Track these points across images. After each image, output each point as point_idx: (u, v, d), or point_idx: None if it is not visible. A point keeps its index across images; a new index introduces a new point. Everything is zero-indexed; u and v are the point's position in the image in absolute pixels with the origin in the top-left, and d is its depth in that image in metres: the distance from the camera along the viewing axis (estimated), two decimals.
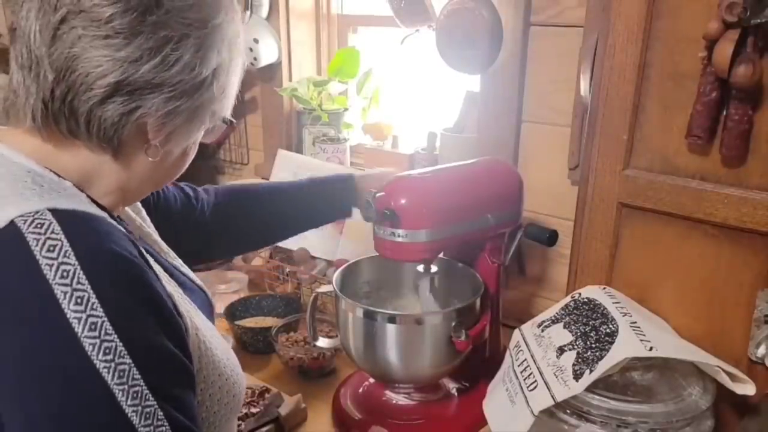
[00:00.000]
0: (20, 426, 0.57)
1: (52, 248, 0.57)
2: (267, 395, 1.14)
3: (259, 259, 1.68)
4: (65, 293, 0.56)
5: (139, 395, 0.58)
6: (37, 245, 0.57)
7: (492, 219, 1.11)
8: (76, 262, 0.57)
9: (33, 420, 0.56)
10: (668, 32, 0.97)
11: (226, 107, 0.76)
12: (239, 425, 1.07)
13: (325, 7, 1.81)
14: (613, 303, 1.01)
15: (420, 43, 1.53)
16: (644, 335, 0.92)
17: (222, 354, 0.76)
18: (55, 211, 0.60)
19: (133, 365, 0.58)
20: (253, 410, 1.10)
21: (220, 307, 1.48)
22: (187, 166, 0.80)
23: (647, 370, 0.96)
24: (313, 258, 1.60)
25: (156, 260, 0.74)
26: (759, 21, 0.84)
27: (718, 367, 0.91)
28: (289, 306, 1.47)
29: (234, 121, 0.79)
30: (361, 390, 1.21)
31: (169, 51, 0.64)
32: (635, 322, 0.95)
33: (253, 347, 1.36)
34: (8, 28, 0.67)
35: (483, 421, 1.04)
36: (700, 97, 0.93)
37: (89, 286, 0.57)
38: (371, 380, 1.21)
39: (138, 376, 0.58)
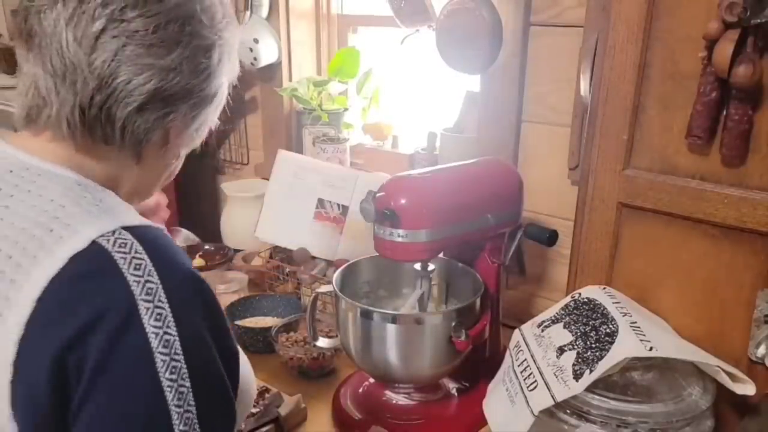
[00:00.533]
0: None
1: (138, 266, 0.60)
2: (267, 395, 1.14)
3: (259, 259, 1.68)
4: (147, 309, 0.59)
5: (190, 423, 0.61)
6: (124, 264, 0.60)
7: (492, 219, 1.11)
8: (159, 281, 0.61)
9: (97, 413, 0.59)
10: (668, 32, 0.97)
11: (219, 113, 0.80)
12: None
13: (325, 7, 1.81)
14: (613, 303, 1.01)
15: (420, 43, 1.53)
16: (644, 335, 0.92)
17: (244, 366, 0.77)
18: (129, 229, 0.63)
19: (191, 390, 0.61)
20: (253, 410, 1.10)
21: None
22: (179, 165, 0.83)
23: (647, 370, 0.96)
24: (313, 258, 1.60)
25: None
26: (759, 21, 0.84)
27: (718, 367, 0.91)
28: (289, 306, 1.47)
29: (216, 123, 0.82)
30: (361, 390, 1.21)
31: (201, 60, 0.68)
32: (635, 322, 0.95)
33: (253, 347, 1.36)
34: (14, 30, 0.67)
35: (483, 421, 1.04)
36: (700, 97, 0.93)
37: (167, 305, 0.60)
38: (371, 380, 1.21)
39: (192, 403, 0.61)
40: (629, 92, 1.02)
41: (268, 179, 1.71)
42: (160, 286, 0.60)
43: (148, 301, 0.59)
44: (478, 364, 1.17)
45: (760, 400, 0.96)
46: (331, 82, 1.74)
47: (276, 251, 1.66)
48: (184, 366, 0.60)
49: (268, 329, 1.33)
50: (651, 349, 0.89)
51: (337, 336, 1.21)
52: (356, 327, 1.09)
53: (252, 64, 1.73)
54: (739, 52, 0.87)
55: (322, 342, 1.20)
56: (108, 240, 0.61)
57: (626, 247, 1.09)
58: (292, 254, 1.61)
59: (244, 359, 0.78)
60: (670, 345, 0.93)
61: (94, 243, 0.61)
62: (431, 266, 1.13)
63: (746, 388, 0.91)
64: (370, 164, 1.72)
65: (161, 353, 0.59)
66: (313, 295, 1.18)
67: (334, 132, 1.74)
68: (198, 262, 1.69)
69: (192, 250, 1.74)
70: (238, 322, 1.40)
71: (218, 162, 2.07)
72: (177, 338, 0.60)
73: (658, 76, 1.00)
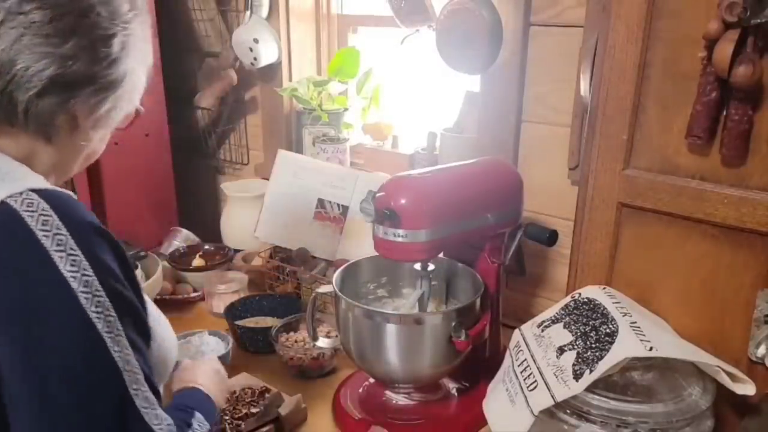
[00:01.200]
0: (21, 366, 0.65)
1: (45, 222, 0.67)
2: (267, 395, 1.14)
3: (259, 259, 1.68)
4: (61, 257, 0.66)
5: (121, 344, 0.68)
6: (32, 221, 0.66)
7: (492, 219, 1.11)
8: (67, 233, 0.67)
9: (33, 361, 0.65)
10: (668, 32, 0.97)
11: (138, 97, 0.83)
12: (239, 425, 1.07)
13: (325, 7, 1.81)
14: (613, 303, 1.01)
15: (420, 43, 1.53)
16: (644, 335, 0.92)
17: (156, 322, 0.82)
18: (36, 191, 0.69)
19: (116, 318, 0.68)
20: (253, 410, 1.10)
21: (220, 307, 1.48)
22: (104, 146, 0.86)
23: (647, 370, 0.96)
24: (313, 258, 1.60)
25: None
26: (759, 21, 0.84)
27: (718, 367, 0.91)
28: (289, 306, 1.47)
29: (141, 109, 0.86)
30: (361, 390, 1.21)
31: (101, 48, 0.72)
32: (635, 322, 0.95)
33: (253, 347, 1.36)
34: None
35: (483, 421, 1.04)
36: (700, 97, 0.93)
37: (80, 251, 0.67)
38: (371, 380, 1.21)
39: (120, 327, 0.69)
40: (629, 92, 1.02)
41: (268, 179, 1.71)
42: (69, 237, 0.67)
43: (61, 251, 0.66)
44: (478, 364, 1.17)
45: (760, 400, 0.96)
46: (331, 82, 1.74)
47: (276, 251, 1.66)
48: (107, 299, 0.68)
49: (268, 329, 1.33)
50: (651, 349, 0.89)
51: (337, 336, 1.21)
52: (356, 327, 1.09)
53: (252, 64, 1.73)
54: (739, 52, 0.87)
55: (322, 342, 1.20)
56: (16, 200, 0.67)
57: (626, 247, 1.09)
58: (292, 254, 1.61)
59: (162, 318, 0.86)
60: (670, 345, 0.93)
61: (2, 203, 0.67)
62: (431, 266, 1.13)
63: (746, 388, 0.91)
64: (370, 164, 1.72)
65: (83, 292, 0.66)
66: (313, 295, 1.18)
67: (334, 132, 1.74)
68: (198, 262, 1.69)
69: (192, 250, 1.75)
70: (239, 323, 1.40)
71: (218, 162, 2.07)
72: (95, 278, 0.67)
73: (658, 76, 1.00)
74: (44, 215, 0.67)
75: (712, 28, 0.88)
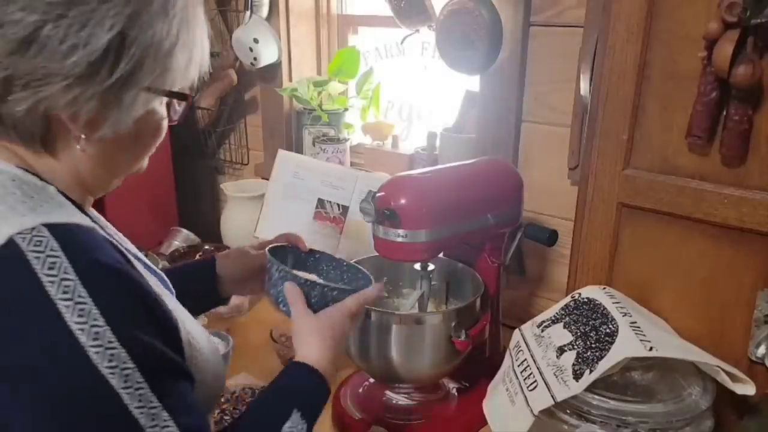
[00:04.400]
0: (29, 425, 0.58)
1: (52, 265, 0.59)
2: None
3: None
4: (68, 307, 0.58)
5: (144, 398, 0.60)
6: (38, 263, 0.59)
7: (492, 219, 1.11)
8: (76, 277, 0.59)
9: (40, 418, 0.58)
10: (668, 32, 0.97)
11: (171, 82, 0.70)
12: None
13: (325, 7, 1.81)
14: (613, 303, 1.01)
15: (420, 43, 1.53)
16: (644, 335, 0.92)
17: (204, 345, 0.76)
18: (49, 227, 0.61)
19: (136, 369, 0.60)
20: None
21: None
22: (148, 150, 0.76)
23: (647, 370, 0.96)
24: None
25: (135, 258, 0.74)
26: (759, 21, 0.84)
27: (718, 367, 0.91)
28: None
29: (191, 95, 0.74)
30: (361, 390, 1.21)
31: (46, 36, 0.60)
32: (635, 322, 0.95)
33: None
34: None
35: (483, 421, 1.04)
36: (700, 97, 0.93)
37: (89, 299, 0.59)
38: (371, 380, 1.21)
39: (141, 379, 0.60)
40: (629, 92, 1.02)
41: (268, 179, 1.71)
42: (78, 282, 0.59)
43: (68, 300, 0.58)
44: (478, 364, 1.17)
45: (760, 400, 0.96)
46: (331, 82, 1.74)
47: None
48: (122, 350, 0.59)
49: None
50: (651, 349, 0.89)
51: None
52: (356, 327, 1.09)
53: (252, 64, 1.73)
54: (739, 52, 0.87)
55: None
56: (24, 238, 0.60)
57: (626, 247, 1.09)
58: None
59: (199, 330, 0.77)
60: (670, 345, 0.93)
61: (10, 240, 0.60)
62: (431, 266, 1.13)
63: (746, 388, 0.91)
64: (370, 164, 1.72)
65: (93, 346, 0.58)
66: None
67: (334, 132, 1.74)
68: None
69: (192, 250, 1.74)
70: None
71: (218, 162, 2.07)
72: (106, 327, 0.59)
73: (658, 76, 1.00)
74: (52, 256, 0.60)
75: (712, 28, 0.88)
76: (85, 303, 0.59)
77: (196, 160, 2.08)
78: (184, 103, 0.75)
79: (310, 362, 0.80)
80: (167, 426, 0.61)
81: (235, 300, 1.48)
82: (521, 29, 1.30)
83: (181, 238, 1.82)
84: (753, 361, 0.99)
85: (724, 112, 0.93)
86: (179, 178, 1.94)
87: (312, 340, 0.82)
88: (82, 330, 0.58)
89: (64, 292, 0.59)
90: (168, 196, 1.92)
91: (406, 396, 1.17)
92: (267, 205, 1.67)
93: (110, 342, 0.59)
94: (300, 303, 0.85)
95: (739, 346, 1.00)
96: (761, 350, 0.98)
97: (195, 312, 1.02)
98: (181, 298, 0.85)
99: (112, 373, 0.58)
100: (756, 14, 0.84)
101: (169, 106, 0.74)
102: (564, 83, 1.28)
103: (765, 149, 0.93)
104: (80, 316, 0.58)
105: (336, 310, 0.86)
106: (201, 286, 1.02)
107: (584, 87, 1.21)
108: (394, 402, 1.17)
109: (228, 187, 1.85)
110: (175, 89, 0.71)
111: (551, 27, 1.29)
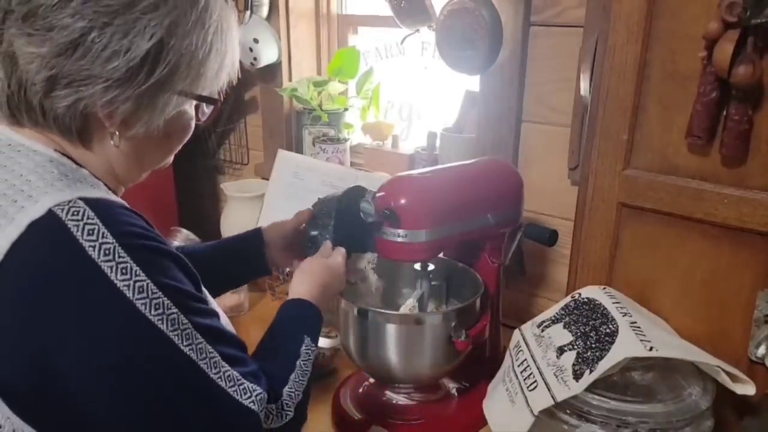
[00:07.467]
0: (96, 385, 0.64)
1: (90, 232, 0.64)
2: None
3: None
4: (111, 267, 0.64)
5: (191, 336, 0.68)
6: (77, 230, 0.64)
7: (492, 219, 1.11)
8: (113, 240, 0.65)
9: (105, 375, 0.64)
10: (668, 32, 0.97)
11: (202, 87, 0.75)
12: None
13: (325, 7, 1.81)
14: (613, 303, 1.01)
15: (420, 43, 1.53)
16: (644, 335, 0.92)
17: (225, 321, 0.82)
18: (85, 200, 0.66)
19: (179, 313, 0.67)
20: None
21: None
22: (176, 147, 0.82)
23: (647, 370, 0.96)
24: None
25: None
26: (759, 21, 0.84)
27: (719, 367, 0.91)
28: None
29: (218, 100, 0.79)
30: (361, 390, 1.21)
31: (91, 42, 0.66)
32: (635, 322, 0.95)
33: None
34: None
35: (483, 421, 1.04)
36: (700, 97, 0.93)
37: (129, 258, 0.65)
38: (371, 380, 1.21)
39: (185, 321, 0.68)
40: (629, 92, 1.02)
41: (268, 179, 1.72)
42: (117, 244, 0.65)
43: (110, 260, 0.64)
44: (478, 364, 1.17)
45: (760, 400, 0.96)
46: (331, 82, 1.74)
47: None
48: (164, 298, 0.66)
49: None
50: (651, 349, 0.89)
51: (337, 336, 1.21)
52: (356, 327, 1.09)
53: (252, 64, 1.73)
54: (739, 52, 0.87)
55: (322, 342, 1.20)
56: (63, 209, 0.64)
57: (626, 247, 1.09)
58: None
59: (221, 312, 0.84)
60: (670, 345, 0.93)
61: (50, 212, 0.64)
62: (431, 266, 1.13)
63: (746, 388, 0.91)
64: (370, 164, 1.72)
65: (139, 299, 0.64)
66: None
67: (334, 132, 1.74)
68: None
69: None
70: None
71: (218, 162, 2.07)
72: (148, 280, 0.65)
73: (658, 76, 1.00)
74: (89, 224, 0.65)
75: (712, 28, 0.88)
76: (126, 262, 0.65)
77: (197, 160, 2.08)
78: (212, 106, 0.80)
79: (303, 297, 0.93)
80: (212, 356, 0.69)
81: (235, 300, 1.49)
82: (521, 29, 1.30)
83: (181, 238, 1.81)
84: (753, 361, 0.99)
85: (724, 112, 0.93)
86: (179, 178, 1.94)
87: (305, 279, 0.97)
88: (127, 286, 0.64)
89: (105, 254, 0.64)
90: (168, 196, 1.92)
91: (405, 396, 1.17)
92: (267, 205, 1.67)
93: (153, 292, 0.65)
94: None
95: (739, 346, 1.00)
96: (761, 350, 0.98)
97: (239, 282, 1.23)
98: (231, 264, 1.06)
99: (160, 320, 0.65)
100: (756, 14, 0.84)
101: (197, 107, 0.80)
102: (564, 83, 1.28)
103: (765, 149, 0.93)
104: (123, 273, 0.64)
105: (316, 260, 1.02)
106: (252, 253, 1.11)
107: (584, 87, 1.21)
108: (394, 402, 1.17)
109: (228, 187, 1.85)
110: (205, 93, 0.77)
111: (551, 27, 1.29)
